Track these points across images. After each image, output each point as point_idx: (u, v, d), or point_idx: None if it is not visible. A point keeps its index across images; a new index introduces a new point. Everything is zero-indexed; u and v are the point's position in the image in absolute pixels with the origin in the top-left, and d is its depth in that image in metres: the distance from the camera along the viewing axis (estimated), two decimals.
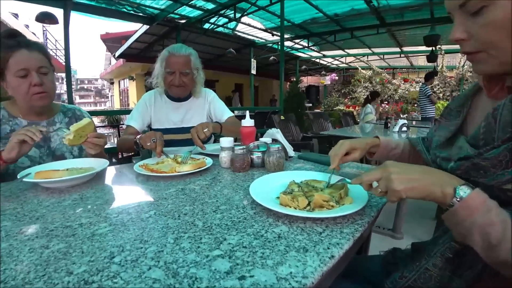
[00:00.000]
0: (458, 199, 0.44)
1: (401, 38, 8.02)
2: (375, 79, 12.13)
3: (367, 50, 9.89)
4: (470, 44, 0.50)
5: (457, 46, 0.55)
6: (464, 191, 0.44)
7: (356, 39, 7.69)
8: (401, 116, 8.41)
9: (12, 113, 1.08)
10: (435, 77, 5.24)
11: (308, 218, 0.58)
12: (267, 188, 0.74)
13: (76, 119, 1.22)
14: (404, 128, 2.94)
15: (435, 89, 10.73)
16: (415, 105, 10.56)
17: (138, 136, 1.19)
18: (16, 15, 7.06)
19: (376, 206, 0.67)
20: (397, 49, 9.35)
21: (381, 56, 10.57)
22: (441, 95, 10.42)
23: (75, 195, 0.77)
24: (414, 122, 5.27)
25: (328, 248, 0.47)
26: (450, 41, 0.53)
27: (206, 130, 1.18)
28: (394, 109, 10.34)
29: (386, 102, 10.94)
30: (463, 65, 9.06)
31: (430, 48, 6.10)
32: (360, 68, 12.15)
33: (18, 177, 0.83)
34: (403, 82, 11.53)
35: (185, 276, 0.40)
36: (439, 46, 8.17)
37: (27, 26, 8.47)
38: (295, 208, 0.61)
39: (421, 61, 11.06)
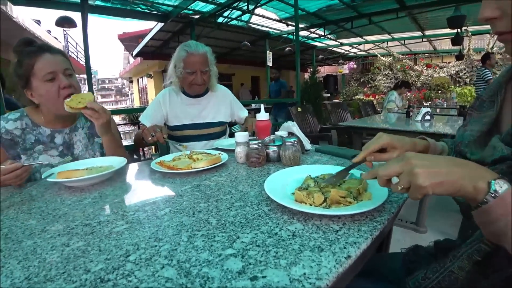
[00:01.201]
0: (492, 195, 0.39)
1: (423, 21, 7.61)
2: (395, 66, 11.67)
3: (386, 36, 9.48)
4: (502, 23, 0.45)
5: (485, 27, 0.49)
6: (500, 185, 0.38)
7: (374, 25, 7.38)
8: (424, 103, 8.06)
9: (35, 121, 1.07)
10: (490, 58, 4.73)
11: (324, 215, 0.56)
12: (282, 184, 0.73)
13: None
14: (428, 117, 2.81)
15: (461, 74, 10.18)
16: (439, 91, 10.08)
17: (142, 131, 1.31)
18: (38, 22, 7.35)
19: (397, 202, 0.63)
20: (419, 33, 8.91)
21: (402, 41, 10.11)
22: (468, 80, 9.87)
23: (95, 193, 0.79)
24: (438, 110, 5.03)
25: (345, 248, 0.46)
26: (479, 21, 0.48)
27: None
28: (417, 96, 9.92)
29: (408, 90, 10.52)
30: (492, 47, 8.48)
31: (454, 31, 5.75)
32: (379, 55, 11.71)
33: (43, 177, 0.86)
34: (425, 68, 11.02)
35: (197, 276, 0.40)
36: (465, 28, 7.70)
37: (49, 32, 8.81)
38: (311, 205, 0.59)
39: (445, 45, 10.50)
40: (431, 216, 2.12)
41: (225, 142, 1.41)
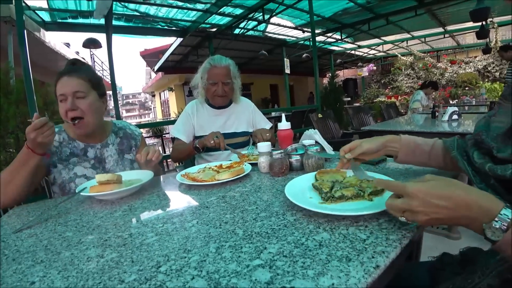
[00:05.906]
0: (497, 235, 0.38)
1: (444, 16, 7.34)
2: (417, 64, 11.28)
3: (406, 35, 9.22)
4: None
5: None
6: (493, 231, 0.38)
7: (392, 24, 7.24)
8: (451, 102, 7.70)
9: (71, 135, 1.15)
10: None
11: (351, 224, 0.56)
12: (302, 188, 0.74)
13: (127, 138, 1.28)
14: (455, 116, 2.67)
15: (489, 68, 9.65)
16: (466, 88, 9.61)
17: (196, 141, 1.40)
18: (68, 44, 7.86)
19: None
20: (440, 29, 8.57)
21: (422, 39, 9.78)
22: (497, 74, 9.35)
23: (125, 206, 0.83)
24: (466, 108, 4.79)
25: (373, 257, 0.44)
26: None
27: (267, 134, 1.39)
28: (442, 95, 9.50)
29: (434, 90, 10.12)
30: None
31: (479, 24, 5.47)
32: (399, 55, 11.39)
33: (76, 191, 0.92)
34: (449, 64, 10.56)
35: (227, 287, 0.41)
36: (491, 19, 7.31)
37: (77, 53, 9.36)
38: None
39: (470, 38, 10.01)
40: None
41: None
